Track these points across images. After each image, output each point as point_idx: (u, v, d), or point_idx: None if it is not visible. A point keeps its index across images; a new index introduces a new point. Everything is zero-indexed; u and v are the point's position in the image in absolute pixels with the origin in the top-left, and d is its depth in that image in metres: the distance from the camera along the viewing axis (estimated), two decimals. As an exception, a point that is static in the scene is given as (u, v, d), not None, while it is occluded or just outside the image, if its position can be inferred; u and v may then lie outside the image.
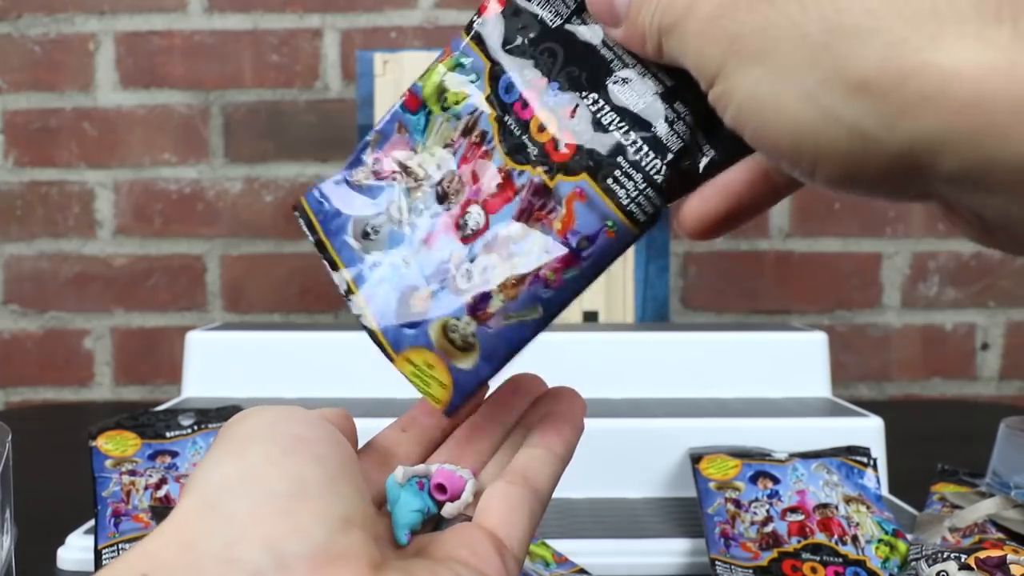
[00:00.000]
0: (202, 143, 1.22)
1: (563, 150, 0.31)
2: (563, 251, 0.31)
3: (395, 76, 0.89)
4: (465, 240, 0.32)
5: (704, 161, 0.31)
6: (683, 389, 0.75)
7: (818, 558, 0.50)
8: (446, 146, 0.33)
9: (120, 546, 0.51)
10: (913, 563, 0.48)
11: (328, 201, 0.35)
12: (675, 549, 0.55)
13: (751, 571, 0.50)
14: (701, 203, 0.30)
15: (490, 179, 0.32)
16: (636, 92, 0.31)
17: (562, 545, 0.54)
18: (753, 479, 0.56)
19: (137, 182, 1.22)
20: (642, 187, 0.30)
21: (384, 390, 0.73)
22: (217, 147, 1.21)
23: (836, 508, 0.54)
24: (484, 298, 0.32)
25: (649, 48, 0.29)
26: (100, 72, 1.21)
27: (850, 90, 0.22)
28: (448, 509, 0.31)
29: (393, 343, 0.33)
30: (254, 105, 1.21)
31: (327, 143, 1.21)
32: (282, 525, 0.24)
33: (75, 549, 0.56)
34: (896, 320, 1.22)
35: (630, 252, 0.90)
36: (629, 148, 0.31)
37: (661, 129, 0.31)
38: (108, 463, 0.55)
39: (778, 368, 0.76)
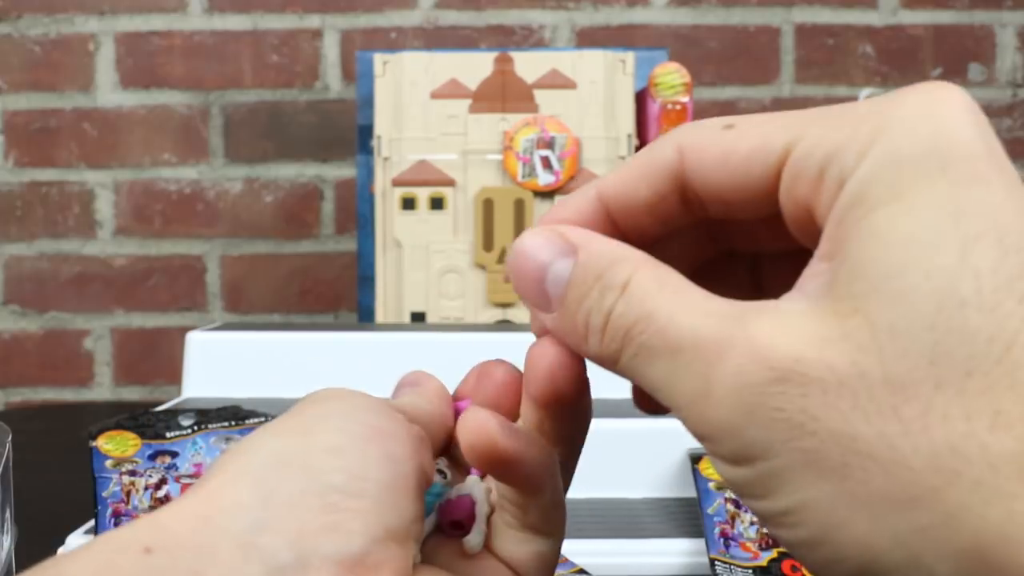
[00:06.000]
0: (202, 143, 1.22)
1: None
2: None
3: (395, 76, 0.89)
4: None
5: None
6: (683, 389, 0.75)
7: (818, 558, 0.50)
8: None
9: (120, 546, 0.51)
10: (913, 563, 0.48)
11: None
12: (675, 549, 0.55)
13: (751, 571, 0.50)
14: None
15: None
16: None
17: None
18: (753, 479, 0.56)
19: (137, 182, 1.22)
20: None
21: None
22: (217, 147, 1.22)
23: (836, 508, 0.54)
24: None
25: (591, 348, 0.23)
26: (100, 72, 1.21)
27: (958, 552, 0.18)
28: (471, 543, 0.27)
29: None
30: (254, 105, 1.21)
31: (327, 143, 1.21)
32: (322, 521, 0.21)
33: (75, 549, 0.56)
34: (896, 320, 1.22)
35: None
36: None
37: None
38: (108, 463, 0.55)
39: (778, 368, 0.76)
